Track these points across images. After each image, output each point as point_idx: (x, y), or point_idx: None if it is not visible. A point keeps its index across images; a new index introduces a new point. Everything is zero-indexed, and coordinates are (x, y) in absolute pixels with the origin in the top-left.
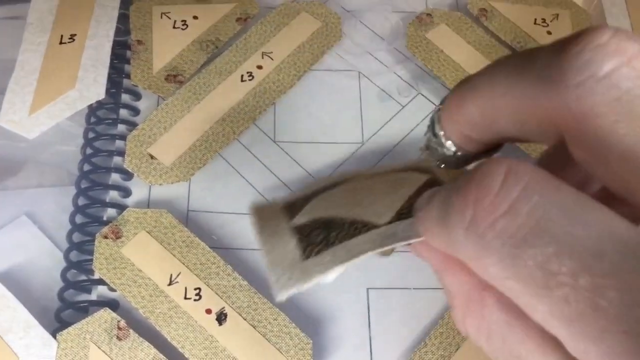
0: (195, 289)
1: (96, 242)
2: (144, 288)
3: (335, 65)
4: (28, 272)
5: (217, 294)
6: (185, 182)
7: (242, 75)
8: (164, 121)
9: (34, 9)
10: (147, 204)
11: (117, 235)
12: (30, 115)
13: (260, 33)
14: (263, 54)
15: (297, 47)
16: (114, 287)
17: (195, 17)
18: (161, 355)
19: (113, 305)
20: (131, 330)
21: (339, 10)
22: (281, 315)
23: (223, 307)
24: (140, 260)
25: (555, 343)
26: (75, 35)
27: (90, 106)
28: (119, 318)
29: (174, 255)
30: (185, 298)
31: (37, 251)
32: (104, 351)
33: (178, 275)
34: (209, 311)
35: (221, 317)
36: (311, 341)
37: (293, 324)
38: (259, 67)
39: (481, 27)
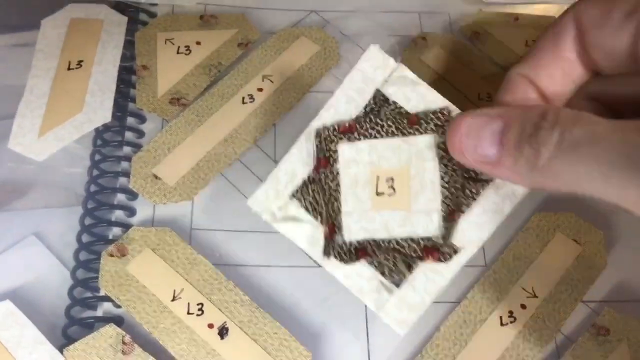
0: (198, 304)
1: (102, 260)
2: (148, 304)
3: (334, 87)
4: (36, 291)
5: (219, 309)
6: (188, 201)
7: (243, 98)
8: (168, 142)
9: (42, 36)
10: (152, 222)
11: (123, 253)
12: (39, 138)
13: (261, 57)
14: (263, 77)
15: (297, 70)
16: (119, 303)
17: (198, 43)
18: None
19: (118, 321)
20: (136, 345)
21: (337, 35)
22: (281, 329)
23: (225, 322)
24: (145, 277)
25: None
26: (82, 61)
27: (97, 129)
28: (123, 333)
29: (177, 272)
30: (188, 313)
31: (45, 270)
32: None
33: (181, 291)
34: (211, 326)
35: (223, 332)
36: (310, 353)
37: (293, 338)
38: (260, 90)
39: (476, 49)
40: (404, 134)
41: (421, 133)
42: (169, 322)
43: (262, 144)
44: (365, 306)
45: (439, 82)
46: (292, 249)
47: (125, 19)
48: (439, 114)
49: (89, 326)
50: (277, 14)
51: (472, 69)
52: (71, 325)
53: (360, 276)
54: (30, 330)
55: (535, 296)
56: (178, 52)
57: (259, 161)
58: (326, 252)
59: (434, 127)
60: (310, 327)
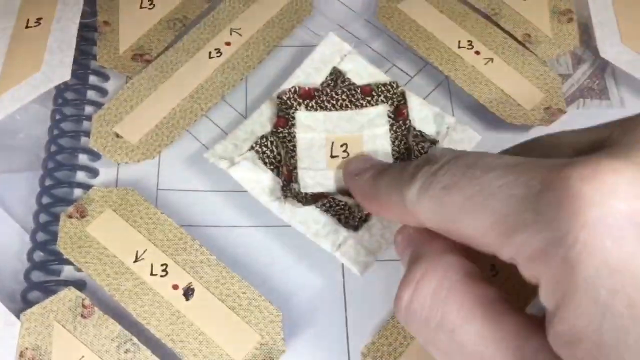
0: (162, 265)
1: (61, 222)
2: (109, 266)
3: (307, 40)
4: None
5: (184, 269)
6: (154, 162)
7: (209, 52)
8: (130, 100)
9: None
10: (116, 183)
11: (82, 215)
12: None
13: (229, 10)
14: (231, 30)
15: (266, 22)
16: (78, 266)
17: None
18: (126, 332)
19: (80, 285)
20: (96, 308)
21: None
22: (250, 289)
23: (190, 282)
24: (106, 238)
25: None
26: (41, 19)
27: (58, 88)
28: (83, 296)
29: (140, 233)
30: (152, 274)
31: (6, 235)
32: (68, 330)
33: (144, 252)
34: (175, 287)
35: (188, 293)
36: (281, 314)
37: (262, 297)
38: (228, 44)
39: None
40: (357, 106)
41: (372, 105)
42: (130, 284)
43: (232, 100)
44: (342, 266)
45: (416, 31)
46: (263, 209)
47: None
48: (388, 86)
49: (49, 291)
50: None
51: (450, 16)
52: (30, 289)
53: (317, 222)
54: None
55: None
56: (141, 7)
57: (229, 118)
58: (284, 194)
59: (384, 99)
60: (282, 288)
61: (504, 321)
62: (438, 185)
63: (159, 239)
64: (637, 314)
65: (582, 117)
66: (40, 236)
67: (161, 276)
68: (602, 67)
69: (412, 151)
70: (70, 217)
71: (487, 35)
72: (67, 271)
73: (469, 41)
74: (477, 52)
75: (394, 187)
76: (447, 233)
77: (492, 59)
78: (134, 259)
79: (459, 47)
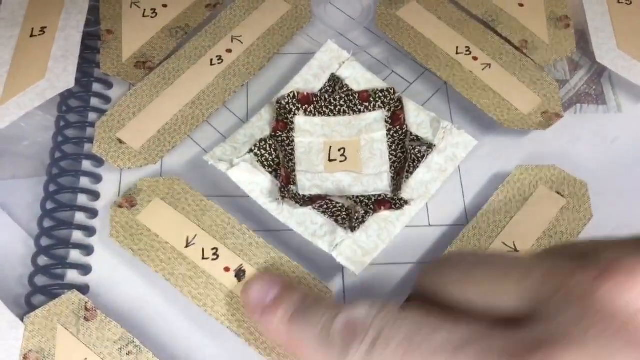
0: (212, 249)
1: (111, 212)
2: (162, 252)
3: (307, 47)
4: (0, 261)
5: (234, 252)
6: (155, 166)
7: (211, 60)
8: (133, 106)
9: (5, 5)
10: (119, 189)
11: (132, 204)
12: (0, 106)
13: (230, 18)
14: (232, 37)
15: (267, 30)
16: (132, 254)
17: (164, 5)
18: (128, 334)
19: (83, 289)
20: (99, 311)
21: None
22: (299, 268)
23: (241, 264)
24: (156, 226)
25: None
26: (45, 27)
27: (62, 96)
28: (86, 299)
29: (189, 219)
30: (203, 258)
31: (10, 240)
32: (71, 332)
33: (194, 238)
34: (227, 269)
35: (240, 274)
36: (332, 291)
37: (312, 275)
38: (229, 51)
39: (452, 3)
40: (354, 112)
41: (370, 110)
42: (184, 268)
43: (233, 106)
44: (342, 268)
45: (414, 37)
46: (261, 213)
47: None
48: (386, 92)
49: (53, 295)
50: None
51: (448, 23)
52: (34, 293)
53: (314, 223)
54: None
55: (516, 250)
56: (144, 16)
57: (230, 123)
58: (282, 196)
59: (381, 105)
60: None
61: None
62: None
63: (207, 225)
64: None
65: (579, 122)
66: (45, 241)
67: (212, 259)
68: (599, 73)
69: (409, 155)
70: (120, 207)
71: (485, 42)
72: (71, 275)
73: (466, 47)
74: (475, 58)
75: (319, 351)
76: None
77: (489, 65)
78: (185, 244)
79: (457, 53)
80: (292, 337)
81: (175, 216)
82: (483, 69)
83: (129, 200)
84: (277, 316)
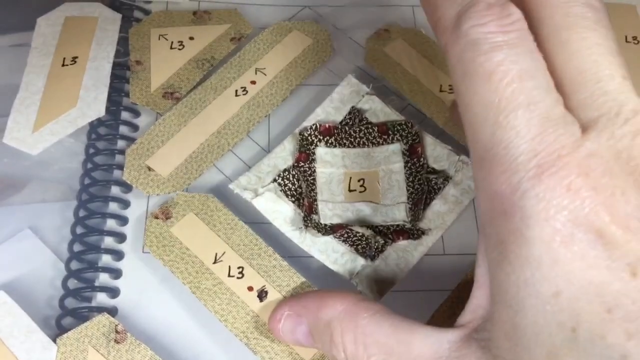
0: (238, 268)
1: (147, 222)
2: (191, 265)
3: (327, 79)
4: (31, 283)
5: (258, 272)
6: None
7: (236, 91)
8: (161, 135)
9: (38, 35)
10: (146, 213)
11: (167, 216)
12: (34, 132)
13: (254, 51)
14: (256, 70)
15: (289, 63)
16: (162, 263)
17: (191, 38)
18: (157, 357)
19: (112, 311)
20: (129, 334)
21: (329, 28)
22: None
23: (264, 285)
24: (188, 239)
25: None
26: (77, 57)
27: (91, 124)
28: (116, 322)
29: (218, 236)
30: (229, 276)
31: (40, 263)
32: (102, 354)
33: (223, 255)
34: (250, 288)
35: (262, 294)
36: None
37: None
38: (253, 83)
39: (437, 44)
40: (373, 144)
41: (388, 143)
42: (210, 283)
43: (255, 136)
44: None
45: (400, 74)
46: (283, 240)
47: (119, 16)
48: (404, 125)
49: (82, 317)
50: (270, 10)
51: (433, 61)
52: (65, 315)
53: (335, 251)
54: (22, 320)
55: None
56: (171, 48)
57: (252, 152)
58: (305, 225)
59: (399, 137)
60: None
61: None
62: None
63: (235, 243)
64: None
65: None
66: (75, 264)
67: (238, 278)
68: None
69: (426, 187)
70: (156, 217)
71: None
72: (100, 298)
73: (449, 86)
74: None
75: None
76: None
77: None
78: (213, 260)
79: (441, 91)
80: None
81: (206, 232)
82: None
83: (164, 212)
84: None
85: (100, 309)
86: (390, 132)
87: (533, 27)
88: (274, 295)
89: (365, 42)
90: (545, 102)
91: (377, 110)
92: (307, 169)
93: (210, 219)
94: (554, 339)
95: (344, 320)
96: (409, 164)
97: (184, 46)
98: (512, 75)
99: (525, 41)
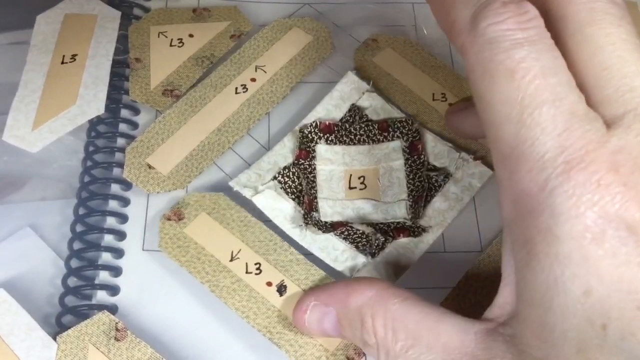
0: (256, 264)
1: (160, 224)
2: (208, 264)
3: (328, 77)
4: (31, 281)
5: (276, 268)
6: (182, 192)
7: (236, 88)
8: (162, 133)
9: (37, 32)
10: (146, 212)
11: (180, 217)
12: (33, 130)
13: (254, 48)
14: (256, 67)
15: (289, 60)
16: (179, 264)
17: (191, 35)
18: (157, 354)
19: (112, 309)
20: (129, 332)
21: (330, 26)
22: None
23: (282, 280)
24: (203, 239)
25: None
26: (76, 55)
27: (90, 121)
28: (117, 320)
29: (233, 234)
30: (247, 272)
31: (40, 261)
32: (102, 352)
33: (239, 252)
34: (269, 284)
35: (281, 289)
36: None
37: None
38: (253, 80)
39: (426, 51)
40: (374, 141)
41: (388, 140)
42: (228, 281)
43: (255, 133)
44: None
45: (392, 84)
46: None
47: (119, 13)
48: (404, 122)
49: (83, 315)
50: (269, 7)
51: (423, 70)
52: (65, 313)
53: (335, 249)
54: (22, 318)
55: None
56: (171, 45)
57: (252, 150)
58: (305, 222)
59: (399, 135)
60: None
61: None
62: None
63: (251, 240)
64: None
65: None
66: (75, 262)
67: (256, 274)
68: None
69: (427, 184)
70: (168, 219)
71: (459, 88)
72: (100, 296)
73: (442, 94)
74: (451, 104)
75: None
76: None
77: None
78: (229, 258)
79: (434, 100)
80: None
81: (220, 230)
82: None
83: (177, 214)
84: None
85: (100, 307)
86: (390, 129)
87: (554, 24)
88: (293, 289)
89: (354, 54)
90: (569, 98)
91: (378, 107)
92: (307, 166)
93: (223, 218)
94: (583, 337)
95: (374, 305)
96: (410, 161)
97: (183, 43)
98: (535, 71)
99: (544, 38)
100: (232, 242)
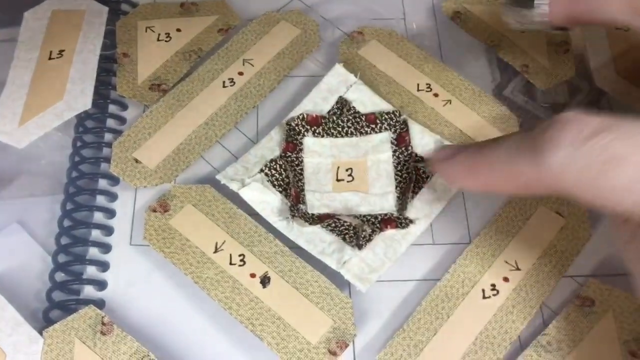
0: (240, 255)
1: (145, 216)
2: (192, 256)
3: (315, 70)
4: (19, 277)
5: (260, 259)
6: (169, 186)
7: (224, 82)
8: (149, 127)
9: (25, 29)
10: (134, 207)
11: (165, 209)
12: (20, 126)
13: (242, 42)
14: (244, 61)
15: (277, 53)
16: (163, 255)
17: (178, 30)
18: (143, 348)
19: (99, 304)
20: (115, 326)
21: (317, 19)
22: (322, 278)
23: (266, 272)
24: (187, 230)
25: None
26: (63, 50)
27: (78, 117)
28: (103, 314)
29: (218, 226)
30: (231, 264)
31: (28, 257)
32: (88, 346)
33: (223, 244)
34: (253, 275)
35: (265, 281)
36: (351, 300)
37: (333, 286)
38: (240, 74)
39: (411, 42)
40: (361, 133)
41: (376, 132)
42: (212, 272)
43: (243, 127)
44: (349, 286)
45: (377, 75)
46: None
47: (106, 9)
48: (391, 114)
49: (70, 309)
50: (257, 0)
51: (408, 61)
52: (52, 308)
53: (323, 241)
54: (9, 313)
55: (518, 269)
56: (158, 40)
57: (240, 143)
58: (292, 214)
59: (387, 127)
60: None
61: None
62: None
63: (235, 232)
64: None
65: None
66: (62, 257)
67: (239, 265)
68: (598, 97)
69: (414, 176)
70: (154, 211)
71: (445, 78)
72: (87, 291)
73: (427, 84)
74: (436, 95)
75: (522, 154)
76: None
77: (450, 101)
78: (214, 249)
79: (418, 90)
80: (482, 164)
81: (205, 222)
82: (444, 105)
83: (162, 205)
84: (459, 157)
85: (88, 302)
86: (378, 121)
87: None
88: (276, 281)
89: (339, 46)
90: None
91: (365, 99)
92: (294, 159)
93: (209, 209)
94: None
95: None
96: (397, 153)
97: (171, 38)
98: None
99: None
100: (217, 233)
